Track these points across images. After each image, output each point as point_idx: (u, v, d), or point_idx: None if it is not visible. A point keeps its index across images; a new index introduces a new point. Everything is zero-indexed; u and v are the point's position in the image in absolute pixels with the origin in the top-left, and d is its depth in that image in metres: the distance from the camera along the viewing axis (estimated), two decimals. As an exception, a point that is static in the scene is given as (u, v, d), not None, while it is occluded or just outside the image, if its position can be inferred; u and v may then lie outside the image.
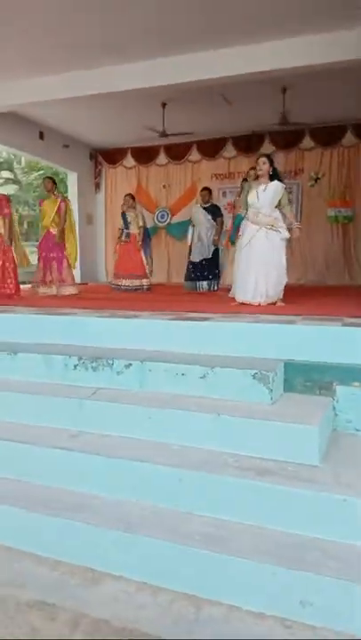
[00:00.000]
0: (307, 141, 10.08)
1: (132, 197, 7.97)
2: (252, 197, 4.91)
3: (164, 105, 8.38)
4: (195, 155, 10.83)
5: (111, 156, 11.52)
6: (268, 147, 10.24)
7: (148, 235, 8.13)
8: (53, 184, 6.85)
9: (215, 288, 7.65)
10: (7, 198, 6.22)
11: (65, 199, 6.98)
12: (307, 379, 3.04)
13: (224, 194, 10.51)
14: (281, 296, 4.90)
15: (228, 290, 6.20)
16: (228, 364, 3.03)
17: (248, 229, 4.88)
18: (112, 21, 5.65)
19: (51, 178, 6.98)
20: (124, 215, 7.81)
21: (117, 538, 2.24)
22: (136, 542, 2.21)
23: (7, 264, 5.99)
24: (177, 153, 10.89)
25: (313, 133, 9.89)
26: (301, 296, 6.00)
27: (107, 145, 11.32)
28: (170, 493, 2.41)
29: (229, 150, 10.62)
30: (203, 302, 5.56)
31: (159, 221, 11.08)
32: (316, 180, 10.23)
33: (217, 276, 7.72)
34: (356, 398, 2.93)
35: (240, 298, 4.90)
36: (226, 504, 2.32)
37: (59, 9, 5.38)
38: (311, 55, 6.08)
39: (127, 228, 7.73)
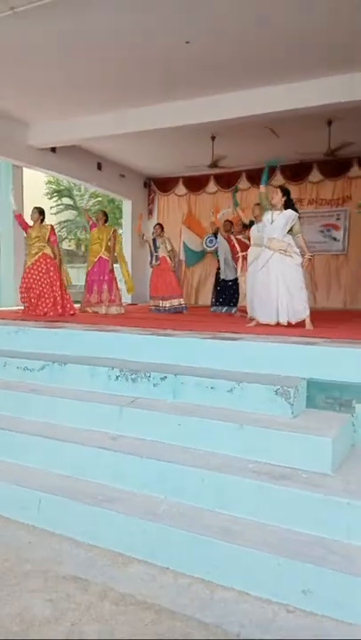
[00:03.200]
0: (355, 170, 10.28)
1: (161, 227, 8.69)
2: (266, 221, 5.20)
3: (213, 138, 8.85)
4: (244, 183, 11.20)
5: (164, 184, 12.12)
6: (316, 175, 10.54)
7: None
8: (106, 217, 7.70)
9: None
10: (52, 227, 6.95)
11: (115, 231, 7.71)
12: (328, 396, 3.27)
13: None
14: (305, 317, 5.00)
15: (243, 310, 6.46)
16: (253, 379, 3.31)
17: (263, 254, 5.14)
18: (162, 64, 6.18)
19: (104, 211, 7.82)
20: (154, 241, 8.50)
21: (145, 527, 2.54)
22: (161, 531, 2.50)
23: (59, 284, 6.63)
24: (226, 181, 11.31)
25: (361, 163, 10.08)
26: (338, 320, 6.19)
27: (160, 174, 11.93)
28: (193, 491, 2.70)
29: (278, 179, 10.91)
30: (226, 323, 5.83)
31: (207, 246, 11.49)
32: (364, 206, 10.36)
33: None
34: (375, 416, 3.13)
35: (263, 319, 5.12)
36: (242, 503, 2.57)
37: (113, 57, 5.98)
38: (352, 92, 6.38)
39: (156, 251, 8.41)
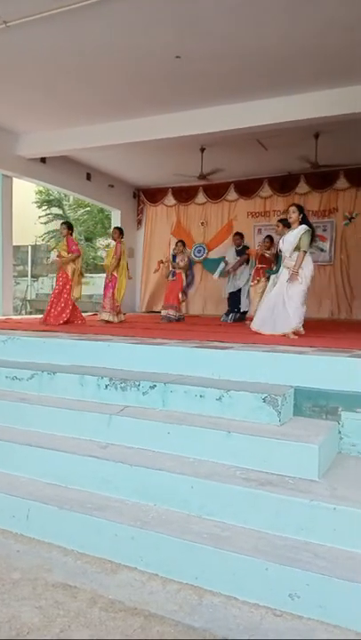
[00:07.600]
0: (341, 182, 10.42)
1: (183, 244, 8.86)
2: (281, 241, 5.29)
3: (202, 149, 8.96)
4: (232, 194, 11.35)
5: (153, 195, 12.22)
6: (303, 187, 10.70)
7: (192, 272, 9.29)
8: (121, 233, 7.94)
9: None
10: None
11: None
12: (314, 404, 3.32)
13: (259, 231, 10.91)
14: (300, 329, 5.15)
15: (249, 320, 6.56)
16: (242, 388, 3.35)
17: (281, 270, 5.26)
18: (153, 78, 6.29)
19: (119, 228, 8.13)
20: (174, 257, 8.72)
21: (134, 534, 2.56)
22: (150, 538, 2.52)
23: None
24: (215, 193, 11.45)
25: (348, 174, 10.23)
26: (325, 330, 6.27)
27: (149, 185, 12.03)
28: (182, 498, 2.72)
29: (266, 190, 11.07)
30: (223, 332, 5.91)
31: (196, 256, 11.57)
32: (351, 219, 10.51)
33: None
34: (360, 424, 3.18)
35: (265, 330, 5.23)
36: (231, 509, 2.61)
37: (106, 70, 6.07)
38: (339, 106, 6.52)
39: (174, 268, 8.62)
